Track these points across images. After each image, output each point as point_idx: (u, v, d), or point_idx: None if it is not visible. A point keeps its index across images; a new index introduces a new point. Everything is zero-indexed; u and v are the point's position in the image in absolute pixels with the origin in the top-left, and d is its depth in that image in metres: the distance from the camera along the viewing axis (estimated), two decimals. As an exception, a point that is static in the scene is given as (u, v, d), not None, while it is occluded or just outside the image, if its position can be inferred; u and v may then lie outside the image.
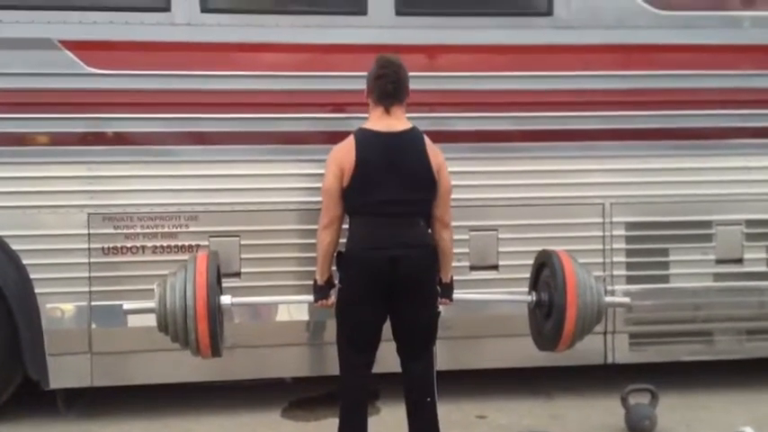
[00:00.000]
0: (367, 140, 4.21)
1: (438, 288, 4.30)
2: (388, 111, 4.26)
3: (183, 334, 4.10)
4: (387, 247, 4.08)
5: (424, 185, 4.21)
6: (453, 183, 5.20)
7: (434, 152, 4.27)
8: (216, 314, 4.13)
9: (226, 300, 4.26)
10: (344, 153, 4.20)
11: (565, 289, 4.29)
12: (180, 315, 4.06)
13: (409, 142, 4.25)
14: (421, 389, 4.27)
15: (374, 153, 4.17)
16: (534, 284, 4.62)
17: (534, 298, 4.57)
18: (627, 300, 4.72)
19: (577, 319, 4.28)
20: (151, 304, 4.18)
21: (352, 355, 4.21)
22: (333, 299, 4.30)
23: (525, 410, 5.35)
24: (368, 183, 4.13)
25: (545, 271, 4.51)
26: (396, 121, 4.25)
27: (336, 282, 4.29)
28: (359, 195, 4.14)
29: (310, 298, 4.42)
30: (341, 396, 4.28)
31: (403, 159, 4.19)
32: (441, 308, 4.34)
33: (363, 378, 4.25)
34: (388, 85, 4.24)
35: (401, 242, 4.11)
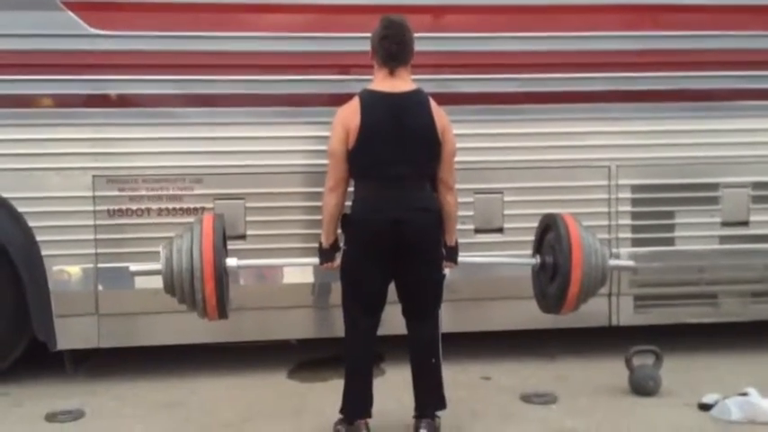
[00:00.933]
0: (372, 101, 4.19)
1: (443, 251, 4.30)
2: (392, 72, 4.23)
3: (189, 295, 4.12)
4: (391, 209, 4.08)
5: (429, 146, 4.19)
6: (458, 145, 5.19)
7: (439, 114, 4.25)
8: (222, 275, 4.14)
9: (232, 262, 4.28)
10: (350, 115, 4.18)
11: (570, 251, 4.28)
12: (186, 276, 4.08)
13: (414, 103, 4.22)
14: (425, 350, 4.30)
15: (379, 114, 4.15)
16: (538, 247, 4.61)
17: (539, 261, 4.56)
18: (631, 263, 4.71)
19: (582, 282, 4.28)
20: (158, 266, 4.19)
21: (357, 317, 4.23)
22: (338, 262, 4.31)
23: (530, 372, 5.39)
24: (373, 144, 4.12)
25: (549, 234, 4.50)
26: (401, 83, 4.22)
27: (342, 244, 4.29)
28: (364, 157, 4.13)
29: (316, 260, 4.43)
30: (346, 358, 4.31)
31: (408, 120, 4.17)
32: (446, 270, 4.35)
33: (368, 340, 4.27)
34: (393, 45, 4.20)
35: (405, 205, 4.11)
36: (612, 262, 4.45)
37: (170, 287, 4.16)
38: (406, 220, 4.08)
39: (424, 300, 4.26)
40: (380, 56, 4.23)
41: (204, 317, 4.21)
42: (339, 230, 4.31)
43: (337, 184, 4.20)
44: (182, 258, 4.10)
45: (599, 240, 4.43)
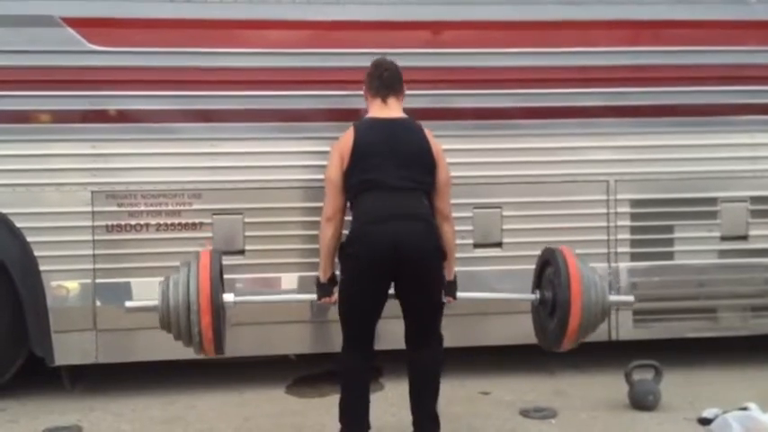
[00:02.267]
0: (365, 125, 4.26)
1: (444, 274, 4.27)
2: (385, 101, 4.31)
3: (186, 331, 4.04)
4: (391, 219, 4.05)
5: (424, 163, 4.21)
6: (457, 160, 5.21)
7: (433, 140, 4.29)
8: (219, 310, 4.10)
9: (229, 297, 4.23)
10: (344, 140, 4.24)
11: (569, 287, 4.23)
12: (183, 311, 4.02)
13: (408, 127, 4.29)
14: (425, 370, 4.25)
15: (373, 134, 4.21)
16: (538, 282, 4.58)
17: (538, 296, 4.52)
18: (631, 298, 4.68)
19: (582, 318, 4.23)
20: (154, 302, 4.12)
21: (353, 336, 4.19)
22: (336, 296, 4.28)
23: (529, 387, 5.37)
24: (367, 159, 4.14)
25: (549, 269, 4.47)
26: (394, 111, 4.30)
27: (338, 262, 4.26)
28: (360, 172, 4.14)
29: (313, 296, 4.39)
30: (341, 377, 4.27)
31: (402, 140, 4.21)
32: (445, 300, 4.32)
33: (364, 359, 4.22)
34: (384, 72, 4.32)
35: (406, 216, 4.09)
36: (612, 297, 4.41)
37: (166, 322, 4.08)
38: (407, 232, 4.05)
39: (423, 316, 4.23)
40: (373, 86, 4.33)
41: (200, 352, 4.14)
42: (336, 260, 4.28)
43: (334, 214, 4.21)
44: (178, 292, 4.04)
45: (598, 275, 4.40)
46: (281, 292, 5.36)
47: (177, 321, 4.04)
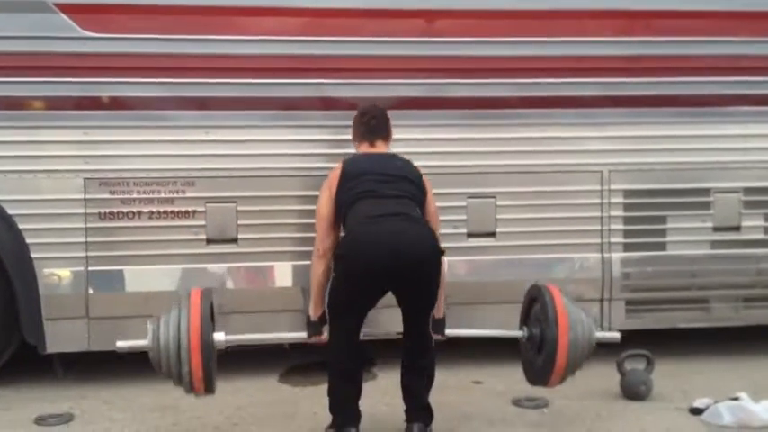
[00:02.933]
0: (353, 157, 4.40)
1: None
2: (373, 144, 4.42)
3: (176, 368, 4.04)
4: (384, 219, 4.06)
5: (413, 185, 4.28)
6: (451, 149, 5.24)
7: (421, 173, 4.37)
8: (210, 350, 4.10)
9: (219, 336, 4.23)
10: (333, 174, 4.32)
11: (556, 327, 4.27)
12: (173, 348, 4.03)
13: (396, 158, 4.39)
14: (418, 360, 4.27)
15: (361, 163, 4.32)
16: (525, 319, 4.60)
17: (526, 333, 4.55)
18: (617, 335, 4.71)
19: (569, 355, 4.27)
20: (145, 342, 4.13)
21: (342, 330, 4.17)
22: (326, 335, 4.29)
23: (521, 376, 5.31)
24: (356, 179, 4.20)
25: (536, 305, 4.49)
26: (382, 150, 4.42)
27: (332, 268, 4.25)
28: (349, 190, 4.18)
29: (303, 334, 4.40)
30: (330, 368, 4.26)
31: (390, 166, 4.31)
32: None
33: (351, 350, 4.20)
34: (371, 120, 4.43)
35: (398, 214, 4.11)
36: (599, 334, 4.46)
37: (157, 361, 4.10)
38: (406, 231, 4.06)
39: (421, 310, 4.22)
40: (360, 132, 4.45)
41: (191, 391, 4.15)
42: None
43: (325, 251, 4.24)
44: (168, 331, 4.06)
45: (584, 313, 4.43)
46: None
47: (168, 361, 4.06)
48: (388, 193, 4.17)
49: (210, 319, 4.18)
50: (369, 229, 4.08)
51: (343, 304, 4.13)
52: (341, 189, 4.22)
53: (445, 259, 4.23)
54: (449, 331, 4.43)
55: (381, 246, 4.00)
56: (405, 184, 4.26)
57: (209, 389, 4.14)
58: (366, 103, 4.66)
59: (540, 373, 4.42)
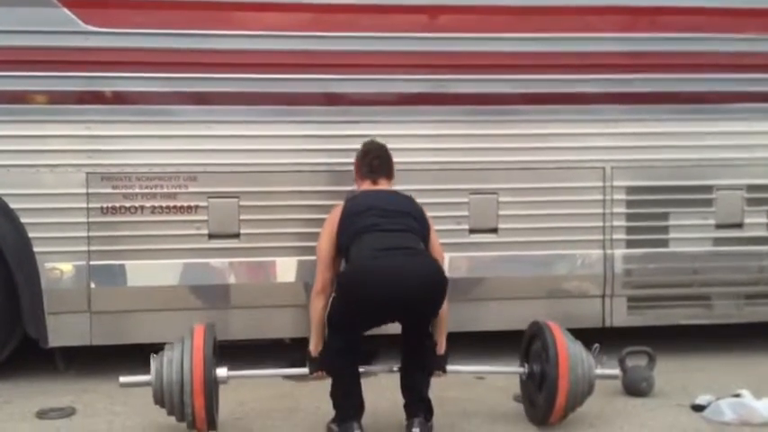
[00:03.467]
0: (355, 196, 4.41)
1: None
2: (375, 183, 4.43)
3: (179, 408, 4.09)
4: (390, 252, 4.07)
5: (416, 220, 4.29)
6: (453, 145, 5.22)
7: (424, 211, 4.37)
8: (212, 389, 4.14)
9: (222, 372, 4.25)
10: (335, 211, 4.34)
11: (557, 362, 4.28)
12: (176, 390, 4.07)
13: (398, 195, 4.41)
14: (417, 357, 4.29)
15: (363, 200, 4.32)
16: (526, 356, 4.60)
17: (526, 370, 4.55)
18: (617, 371, 4.72)
19: (569, 393, 4.28)
20: (147, 378, 4.16)
21: (340, 342, 4.19)
22: None
23: (523, 373, 5.37)
24: (358, 216, 4.21)
25: (536, 342, 4.50)
26: (384, 187, 4.43)
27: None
28: (351, 226, 4.19)
29: (305, 370, 4.41)
30: (331, 369, 4.27)
31: (394, 201, 4.33)
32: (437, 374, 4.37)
33: (351, 354, 4.22)
34: (374, 160, 4.43)
35: (405, 247, 4.13)
36: (599, 371, 4.46)
37: (159, 398, 4.14)
38: (412, 265, 4.08)
39: (421, 320, 4.26)
40: (363, 171, 4.45)
41: (193, 429, 4.18)
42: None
43: (324, 287, 4.26)
44: (172, 371, 4.09)
45: (585, 350, 4.44)
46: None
47: (171, 399, 4.11)
48: (393, 228, 4.19)
49: (213, 353, 4.21)
50: (374, 264, 4.08)
51: (343, 323, 4.17)
52: (343, 224, 4.24)
53: (446, 302, 4.25)
54: (450, 368, 4.43)
55: (387, 281, 4.00)
56: (408, 219, 4.28)
57: (211, 427, 4.18)
58: (368, 141, 4.62)
59: (540, 410, 4.44)
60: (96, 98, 5.11)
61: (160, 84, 5.15)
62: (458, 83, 5.40)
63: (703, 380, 5.16)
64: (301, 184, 5.24)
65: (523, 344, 4.62)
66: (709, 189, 5.64)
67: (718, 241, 5.67)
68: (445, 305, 4.27)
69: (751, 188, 5.67)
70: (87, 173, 5.10)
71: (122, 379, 4.31)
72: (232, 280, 5.28)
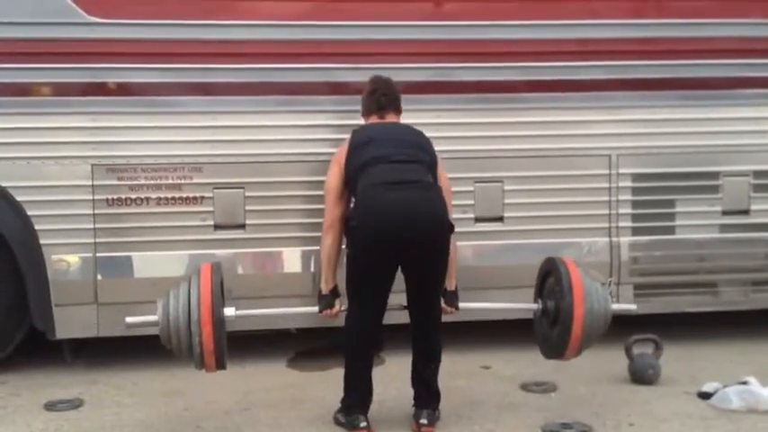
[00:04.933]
0: (362, 129, 4.36)
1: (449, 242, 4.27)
2: (383, 117, 4.39)
3: (186, 345, 4.00)
4: (397, 186, 4.04)
5: (424, 151, 4.26)
6: (459, 133, 5.22)
7: (432, 144, 4.35)
8: (221, 324, 4.06)
9: (230, 311, 4.20)
10: (341, 148, 4.31)
11: (572, 298, 4.22)
12: (183, 322, 3.97)
13: (406, 126, 4.37)
14: (427, 344, 4.29)
15: (370, 132, 4.29)
16: (539, 292, 4.57)
17: (540, 306, 4.50)
18: (633, 306, 4.67)
19: (584, 327, 4.21)
20: (154, 317, 4.09)
21: (360, 308, 4.19)
22: (337, 308, 4.29)
23: (529, 361, 5.36)
24: (365, 147, 4.18)
25: (550, 279, 4.46)
26: (392, 120, 4.40)
27: (345, 246, 4.25)
28: (357, 158, 4.16)
29: (315, 308, 4.39)
30: (347, 348, 4.27)
31: (402, 131, 4.30)
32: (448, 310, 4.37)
33: (371, 331, 4.24)
34: (381, 97, 4.39)
35: (411, 180, 4.09)
36: (614, 306, 4.41)
37: (166, 336, 4.05)
38: (414, 199, 4.05)
39: (427, 289, 4.23)
40: (370, 107, 4.41)
41: (201, 366, 4.12)
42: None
43: (333, 223, 4.23)
44: (178, 305, 4.01)
45: (600, 284, 4.39)
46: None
47: (177, 334, 4.00)
48: (401, 158, 4.14)
49: (221, 294, 4.16)
50: (383, 197, 4.05)
51: (360, 280, 4.13)
52: (350, 156, 4.19)
53: (454, 238, 4.22)
54: (462, 305, 4.40)
55: (396, 214, 4.00)
56: (415, 149, 4.23)
57: (220, 364, 4.10)
58: (374, 77, 4.54)
59: (555, 346, 4.38)
60: (101, 90, 5.11)
61: (164, 74, 5.15)
62: (462, 71, 5.38)
63: (710, 367, 5.16)
64: (307, 174, 5.23)
65: (537, 280, 4.59)
66: (715, 175, 5.63)
67: (724, 228, 5.66)
68: (454, 244, 4.25)
69: (758, 174, 5.65)
70: (92, 164, 5.11)
71: (128, 319, 4.22)
72: (238, 271, 5.28)
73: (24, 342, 5.33)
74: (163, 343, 4.12)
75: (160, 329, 4.07)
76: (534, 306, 4.52)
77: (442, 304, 4.32)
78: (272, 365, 5.34)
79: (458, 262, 4.53)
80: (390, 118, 4.40)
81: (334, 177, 4.26)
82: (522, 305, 4.66)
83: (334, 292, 4.31)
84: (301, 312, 4.71)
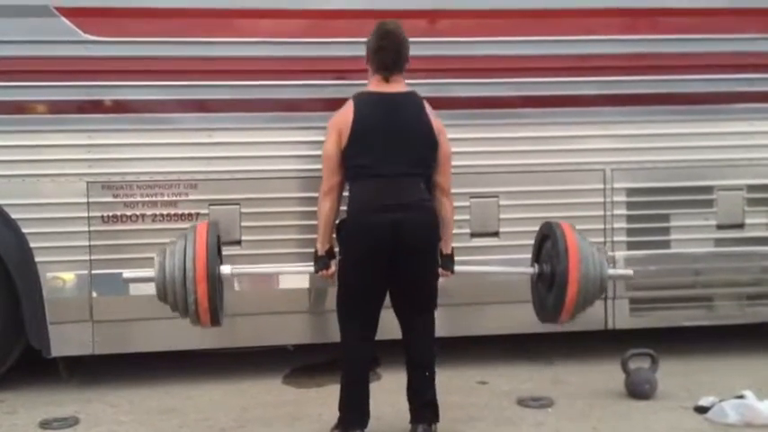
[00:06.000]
0: (365, 101, 4.22)
1: (438, 257, 4.29)
2: (387, 79, 4.26)
3: (182, 301, 4.07)
4: (388, 210, 4.06)
5: (425, 144, 4.22)
6: (454, 149, 5.18)
7: (434, 116, 4.28)
8: (216, 280, 4.09)
9: (226, 269, 4.22)
10: (343, 116, 4.21)
11: (567, 260, 4.26)
12: (179, 281, 4.03)
13: (409, 103, 4.26)
14: (421, 358, 4.28)
15: (372, 112, 4.18)
16: (537, 256, 4.59)
17: (537, 270, 4.53)
18: (629, 272, 4.70)
19: (579, 291, 4.26)
20: (151, 273, 4.14)
21: (354, 324, 4.20)
22: (333, 269, 4.30)
23: (526, 376, 5.38)
24: (367, 141, 4.13)
25: (547, 243, 4.49)
26: (395, 86, 4.26)
27: (337, 252, 4.28)
28: (358, 155, 4.14)
29: (311, 268, 4.41)
30: (342, 368, 4.27)
31: (402, 118, 4.20)
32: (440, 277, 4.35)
33: (365, 347, 4.24)
34: (388, 56, 4.24)
35: (402, 204, 4.09)
36: (610, 271, 4.43)
37: (162, 292, 4.11)
38: (403, 221, 4.06)
39: (418, 301, 4.25)
40: (375, 66, 4.27)
41: (197, 323, 4.15)
42: (334, 236, 4.32)
43: (331, 189, 4.21)
44: (174, 263, 4.04)
45: (597, 249, 4.41)
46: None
47: (173, 290, 4.05)
48: (395, 173, 4.09)
49: (217, 251, 4.14)
50: (371, 219, 4.06)
51: (356, 293, 4.14)
52: (349, 146, 4.13)
53: (452, 196, 4.29)
54: (458, 268, 4.40)
55: (382, 230, 4.03)
56: (415, 149, 4.17)
57: (215, 320, 4.12)
58: (382, 25, 4.34)
59: (550, 310, 4.41)
60: (97, 107, 5.11)
61: (160, 92, 5.16)
62: (456, 86, 5.40)
63: (706, 381, 5.16)
64: (303, 191, 5.23)
65: (534, 244, 4.59)
66: (709, 190, 5.64)
67: (719, 242, 5.67)
68: (448, 205, 4.27)
69: (752, 188, 5.67)
70: (88, 182, 5.10)
71: (126, 274, 4.27)
72: (234, 287, 5.28)
73: (20, 360, 5.30)
74: (159, 299, 4.14)
75: (156, 286, 4.12)
76: (531, 270, 4.54)
77: (439, 270, 4.30)
78: (268, 382, 5.32)
79: (453, 278, 4.51)
80: (395, 79, 4.24)
81: (332, 145, 4.19)
82: (519, 269, 4.71)
83: (330, 253, 4.30)
84: (299, 271, 4.78)
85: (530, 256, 5.36)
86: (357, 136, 4.13)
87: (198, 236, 4.11)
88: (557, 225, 4.45)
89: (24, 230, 5.05)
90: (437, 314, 4.35)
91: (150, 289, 5.05)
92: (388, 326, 4.35)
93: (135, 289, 5.15)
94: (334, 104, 5.17)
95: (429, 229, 4.18)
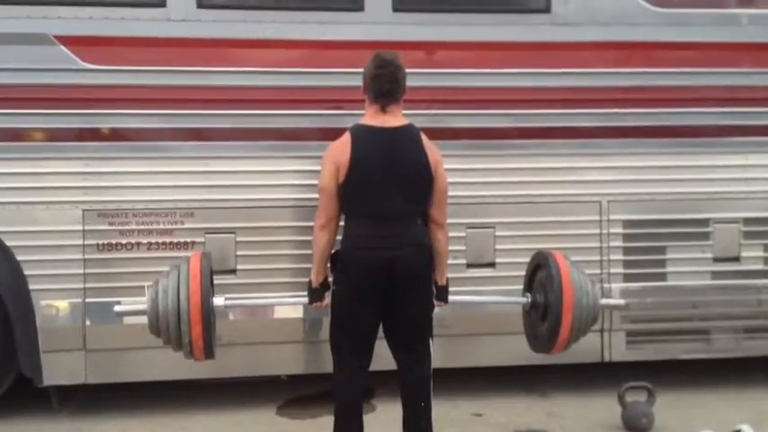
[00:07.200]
0: (363, 136, 4.18)
1: (433, 288, 4.27)
2: (384, 109, 4.22)
3: (176, 337, 4.02)
4: (383, 247, 4.05)
5: (421, 182, 4.19)
6: (450, 180, 5.17)
7: (431, 149, 4.25)
8: (210, 318, 4.07)
9: (219, 301, 4.19)
10: (340, 150, 4.17)
11: (561, 291, 4.24)
12: (173, 319, 3.98)
13: (406, 138, 4.22)
14: (416, 394, 4.23)
15: (370, 148, 4.14)
16: (529, 286, 4.57)
17: (529, 300, 4.51)
18: (622, 302, 4.69)
19: (573, 322, 4.24)
20: (143, 306, 4.10)
21: (346, 359, 4.17)
22: (327, 301, 4.28)
23: (522, 408, 5.34)
24: (364, 179, 4.11)
25: (540, 272, 4.47)
26: (392, 118, 4.22)
27: (331, 282, 4.26)
28: (354, 193, 4.12)
29: (304, 299, 4.38)
30: (335, 398, 4.24)
31: (399, 155, 4.16)
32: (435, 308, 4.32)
33: (357, 382, 4.21)
34: (385, 85, 4.20)
35: (398, 242, 4.08)
36: (603, 301, 4.42)
37: (155, 328, 4.06)
38: (398, 258, 4.05)
39: (413, 334, 4.22)
40: (372, 94, 4.23)
41: (191, 357, 4.13)
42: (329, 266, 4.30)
43: (328, 222, 4.18)
44: (167, 300, 4.00)
45: (590, 279, 4.40)
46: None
47: (167, 329, 4.01)
48: (391, 211, 4.09)
49: (210, 283, 4.12)
50: (366, 254, 4.06)
51: (346, 323, 4.12)
52: (346, 182, 4.10)
53: (447, 228, 4.26)
54: (452, 298, 4.37)
55: (377, 266, 4.03)
56: (412, 187, 4.14)
57: (209, 356, 4.10)
58: (380, 55, 4.29)
59: (543, 341, 4.38)
60: (93, 135, 5.12)
61: (157, 120, 5.17)
62: (453, 117, 5.41)
63: (704, 415, 5.13)
64: (299, 220, 5.22)
65: (527, 274, 4.56)
66: (705, 222, 5.64)
67: (715, 275, 5.66)
68: (442, 237, 4.23)
69: (748, 221, 5.67)
70: (84, 209, 5.10)
71: (117, 308, 4.23)
72: (229, 316, 5.25)
73: (11, 389, 5.25)
74: (151, 332, 4.11)
75: (149, 322, 4.08)
76: (523, 300, 4.52)
77: (433, 300, 4.28)
78: (262, 413, 5.28)
79: (450, 309, 4.51)
80: (392, 110, 4.20)
81: (329, 179, 4.14)
82: (512, 299, 4.68)
83: (325, 285, 4.27)
84: (292, 302, 4.77)
85: (525, 286, 5.37)
86: (355, 172, 4.11)
87: (191, 274, 4.05)
88: (550, 255, 4.43)
89: (19, 258, 5.03)
90: (432, 346, 4.32)
91: (144, 319, 5.06)
92: (383, 356, 4.32)
93: (129, 318, 5.12)
94: (331, 134, 5.17)
95: (423, 267, 4.16)
